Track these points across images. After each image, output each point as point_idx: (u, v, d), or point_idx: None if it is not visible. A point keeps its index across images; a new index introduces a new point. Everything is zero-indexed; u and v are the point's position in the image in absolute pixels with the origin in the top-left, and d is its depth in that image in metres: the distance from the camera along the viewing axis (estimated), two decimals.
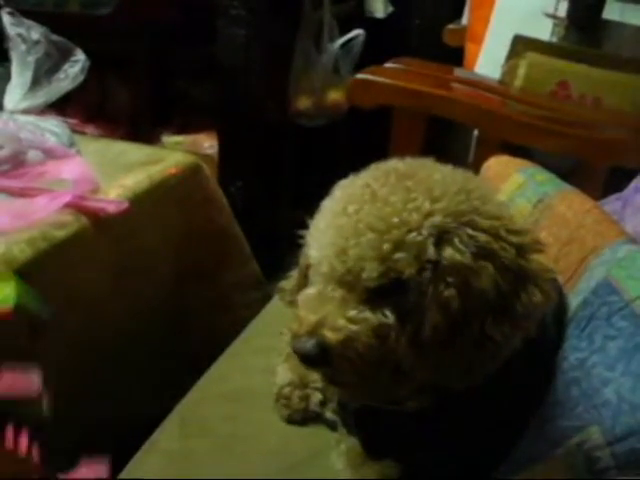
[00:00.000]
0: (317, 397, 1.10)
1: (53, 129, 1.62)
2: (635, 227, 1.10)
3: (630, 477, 0.68)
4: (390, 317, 0.77)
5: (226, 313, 1.72)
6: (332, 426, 1.06)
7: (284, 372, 1.13)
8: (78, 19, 2.40)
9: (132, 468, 1.09)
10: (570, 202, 1.08)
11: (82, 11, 2.40)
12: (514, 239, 0.78)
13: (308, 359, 0.79)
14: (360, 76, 1.75)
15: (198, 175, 1.67)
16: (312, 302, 0.81)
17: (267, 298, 1.49)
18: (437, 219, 0.76)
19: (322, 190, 0.88)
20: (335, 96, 2.39)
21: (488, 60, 2.14)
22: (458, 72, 2.09)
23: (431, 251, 0.75)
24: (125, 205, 1.39)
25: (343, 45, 2.39)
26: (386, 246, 0.75)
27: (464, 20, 2.47)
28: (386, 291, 0.77)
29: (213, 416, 1.14)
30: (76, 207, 1.35)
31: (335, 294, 0.79)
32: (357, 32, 2.39)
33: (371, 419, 0.91)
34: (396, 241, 0.75)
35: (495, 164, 1.31)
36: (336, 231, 0.79)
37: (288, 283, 1.16)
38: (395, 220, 0.76)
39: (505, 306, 0.76)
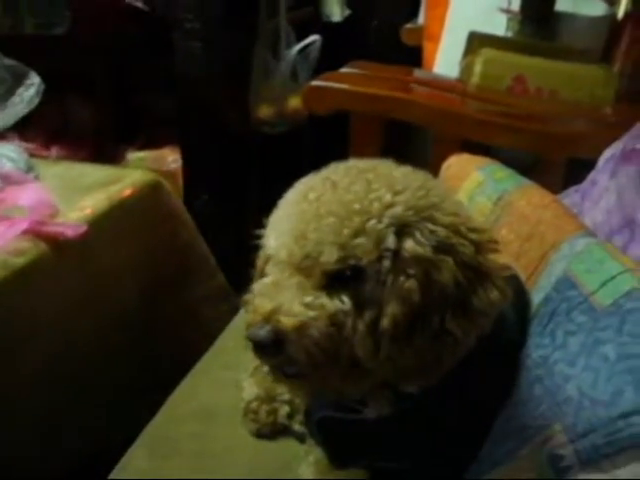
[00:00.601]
0: (285, 410, 1.09)
1: (9, 154, 1.60)
2: (593, 219, 1.11)
3: (593, 474, 0.68)
4: (347, 303, 0.76)
5: (196, 327, 1.71)
6: (300, 438, 1.06)
7: (250, 387, 1.12)
8: (34, 40, 2.39)
9: None
10: (529, 197, 1.08)
11: (37, 32, 2.39)
12: (473, 236, 0.78)
13: (262, 347, 0.76)
14: (314, 83, 1.74)
15: (158, 192, 1.66)
16: (268, 290, 0.79)
17: (236, 310, 1.48)
18: (398, 210, 0.76)
19: None
20: (295, 103, 2.37)
21: (446, 59, 2.14)
22: (416, 73, 2.09)
23: (391, 240, 0.75)
24: (83, 228, 1.37)
25: (300, 51, 2.38)
26: (346, 231, 0.75)
27: (420, 20, 2.47)
28: (344, 278, 0.76)
29: (182, 434, 1.13)
30: (34, 233, 1.33)
31: (292, 281, 0.77)
32: (313, 38, 2.38)
33: (334, 429, 0.90)
34: (356, 227, 0.75)
35: (455, 163, 1.31)
36: (296, 217, 0.79)
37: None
38: (356, 207, 0.76)
39: (463, 301, 0.76)
